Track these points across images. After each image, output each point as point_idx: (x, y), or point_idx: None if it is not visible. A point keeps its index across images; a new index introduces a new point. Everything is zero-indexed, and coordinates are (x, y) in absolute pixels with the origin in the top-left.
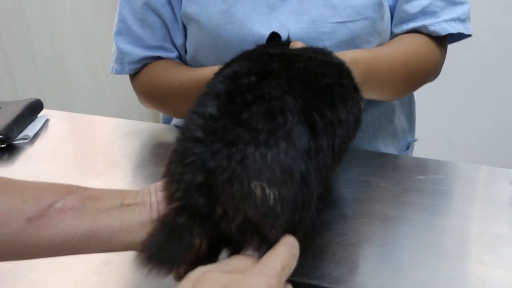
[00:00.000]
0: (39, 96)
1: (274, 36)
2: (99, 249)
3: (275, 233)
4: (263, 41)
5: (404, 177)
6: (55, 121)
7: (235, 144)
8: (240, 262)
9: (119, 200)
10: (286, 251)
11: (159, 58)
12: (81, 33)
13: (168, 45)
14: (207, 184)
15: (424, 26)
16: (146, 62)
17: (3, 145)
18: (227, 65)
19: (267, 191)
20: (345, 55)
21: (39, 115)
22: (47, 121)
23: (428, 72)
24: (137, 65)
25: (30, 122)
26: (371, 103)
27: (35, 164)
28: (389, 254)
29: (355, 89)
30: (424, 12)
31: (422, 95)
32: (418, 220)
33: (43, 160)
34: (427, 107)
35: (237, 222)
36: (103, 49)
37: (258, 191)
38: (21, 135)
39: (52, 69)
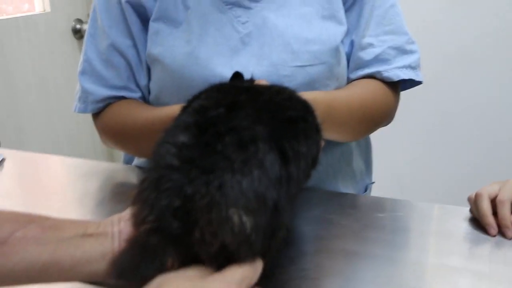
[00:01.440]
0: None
1: (236, 75)
2: (60, 278)
3: (249, 259)
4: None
5: (363, 215)
6: (11, 161)
7: (212, 171)
8: (200, 270)
9: (81, 229)
10: (247, 265)
11: (123, 98)
12: (36, 74)
13: (132, 85)
14: (184, 209)
15: (378, 72)
16: (110, 101)
17: None
18: (196, 97)
19: (244, 219)
20: (306, 95)
21: None
22: (2, 160)
23: (383, 114)
24: (100, 104)
25: None
26: (330, 144)
27: None
28: (354, 286)
29: (317, 128)
30: (378, 59)
31: (377, 141)
32: (378, 255)
33: None
34: (381, 153)
35: (214, 249)
36: (57, 90)
37: (235, 219)
38: None
39: (5, 109)
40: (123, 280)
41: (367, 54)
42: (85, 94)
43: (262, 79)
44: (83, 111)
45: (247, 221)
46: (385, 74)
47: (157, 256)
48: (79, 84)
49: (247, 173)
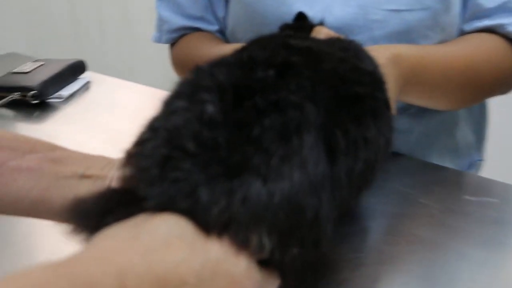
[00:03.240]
0: (99, 60)
1: (300, 16)
2: (49, 217)
3: None
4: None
5: (449, 195)
6: (97, 85)
7: (238, 173)
8: None
9: (82, 168)
10: None
11: (198, 29)
12: (151, 5)
13: (209, 16)
14: (191, 212)
15: (501, 25)
16: (185, 32)
17: (35, 101)
18: (252, 44)
19: (264, 240)
20: (388, 50)
21: (81, 76)
22: (87, 83)
23: (497, 81)
24: (174, 35)
25: (70, 83)
26: (427, 111)
27: (61, 125)
28: (413, 284)
29: (386, 105)
30: (503, 8)
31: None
32: (455, 249)
33: (70, 122)
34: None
35: None
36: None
37: (254, 241)
38: (56, 94)
39: (119, 36)
40: (77, 222)
41: (489, 1)
42: (161, 22)
43: (323, 27)
44: (157, 40)
45: (267, 242)
46: (510, 29)
47: (134, 203)
48: (156, 11)
49: (286, 177)
